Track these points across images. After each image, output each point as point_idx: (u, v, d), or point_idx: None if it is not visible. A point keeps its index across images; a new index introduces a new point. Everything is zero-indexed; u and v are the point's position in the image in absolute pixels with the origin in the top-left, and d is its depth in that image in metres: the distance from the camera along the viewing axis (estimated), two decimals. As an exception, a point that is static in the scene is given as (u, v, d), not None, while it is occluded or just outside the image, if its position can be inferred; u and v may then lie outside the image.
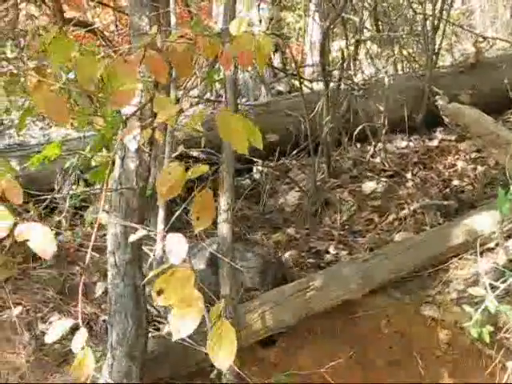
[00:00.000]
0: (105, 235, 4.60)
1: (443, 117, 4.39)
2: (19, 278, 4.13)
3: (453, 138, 5.66)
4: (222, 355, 1.98)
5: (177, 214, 3.31)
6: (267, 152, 5.37)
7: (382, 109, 5.04)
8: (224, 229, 3.10)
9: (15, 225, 1.86)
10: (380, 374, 3.73)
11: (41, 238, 1.85)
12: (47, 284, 4.07)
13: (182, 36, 2.44)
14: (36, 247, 1.85)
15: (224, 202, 3.11)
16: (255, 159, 5.30)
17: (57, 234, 4.56)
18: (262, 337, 3.49)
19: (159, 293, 1.92)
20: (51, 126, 6.76)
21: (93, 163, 4.63)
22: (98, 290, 4.08)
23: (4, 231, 1.86)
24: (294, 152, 5.46)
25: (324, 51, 4.66)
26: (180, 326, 1.93)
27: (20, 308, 3.81)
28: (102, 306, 3.93)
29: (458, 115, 4.24)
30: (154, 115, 2.39)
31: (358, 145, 5.61)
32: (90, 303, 3.91)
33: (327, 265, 4.11)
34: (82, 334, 1.82)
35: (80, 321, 1.91)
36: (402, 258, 3.81)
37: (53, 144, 4.89)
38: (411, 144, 5.64)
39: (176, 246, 1.93)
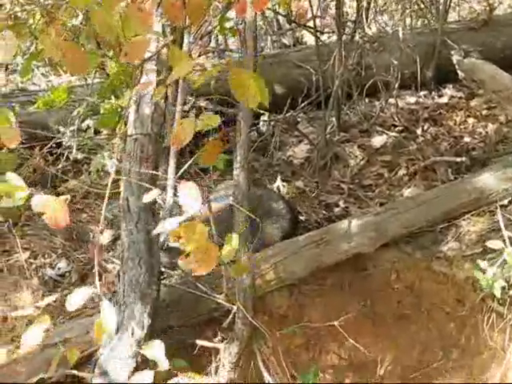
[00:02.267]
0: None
1: (458, 72, 4.33)
2: (26, 223, 4.10)
3: (462, 94, 5.61)
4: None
5: (188, 163, 3.27)
6: (276, 104, 5.30)
7: (395, 62, 4.97)
8: (240, 177, 3.04)
9: (30, 196, 1.87)
10: (389, 329, 3.73)
11: (54, 211, 1.86)
12: (54, 230, 4.04)
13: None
14: (50, 219, 1.86)
15: (240, 150, 3.06)
16: (262, 111, 5.24)
17: (65, 181, 4.53)
18: (273, 287, 3.47)
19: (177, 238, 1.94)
20: (53, 73, 6.66)
21: (101, 110, 4.58)
22: (106, 237, 4.05)
23: (19, 202, 1.86)
24: (302, 105, 5.38)
25: (339, 1, 4.58)
26: (197, 267, 1.95)
27: (28, 253, 3.79)
28: (110, 254, 3.91)
29: (473, 70, 4.18)
30: (170, 68, 2.36)
31: (367, 99, 5.54)
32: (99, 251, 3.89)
33: (337, 218, 4.08)
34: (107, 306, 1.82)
35: (100, 290, 1.89)
36: (415, 213, 3.78)
37: (60, 88, 4.83)
38: (420, 100, 5.58)
39: (190, 196, 1.94)
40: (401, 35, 5.05)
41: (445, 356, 3.68)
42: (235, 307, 3.07)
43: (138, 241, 3.02)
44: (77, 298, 1.87)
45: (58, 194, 4.37)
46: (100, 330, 1.85)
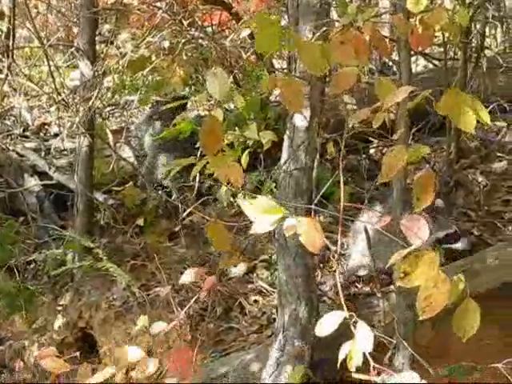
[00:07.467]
0: (236, 214, 4.59)
1: None
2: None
3: None
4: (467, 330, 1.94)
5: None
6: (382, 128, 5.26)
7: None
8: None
9: (283, 218, 1.87)
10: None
11: (310, 232, 1.85)
12: (189, 263, 4.08)
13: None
14: (306, 241, 1.85)
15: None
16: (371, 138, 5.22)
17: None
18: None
19: (403, 275, 1.89)
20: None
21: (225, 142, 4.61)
22: (241, 269, 4.07)
23: (273, 225, 1.87)
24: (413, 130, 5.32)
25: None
26: (425, 308, 1.89)
27: (169, 287, 3.82)
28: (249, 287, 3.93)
29: None
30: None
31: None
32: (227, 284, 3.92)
33: (474, 246, 4.01)
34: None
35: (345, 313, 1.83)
36: None
37: (187, 120, 4.91)
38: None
39: (416, 228, 1.90)
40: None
41: None
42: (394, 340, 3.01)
43: (295, 275, 3.03)
44: (329, 323, 1.83)
45: (184, 227, 4.42)
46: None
